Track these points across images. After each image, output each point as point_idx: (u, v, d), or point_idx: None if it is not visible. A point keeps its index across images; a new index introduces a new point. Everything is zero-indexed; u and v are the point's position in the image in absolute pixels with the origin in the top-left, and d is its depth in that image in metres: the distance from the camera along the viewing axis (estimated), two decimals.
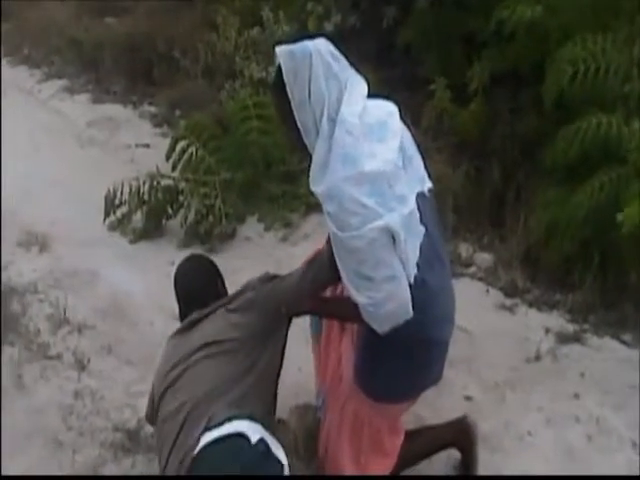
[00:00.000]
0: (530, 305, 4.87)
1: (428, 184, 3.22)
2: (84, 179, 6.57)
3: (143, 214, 5.95)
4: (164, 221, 5.98)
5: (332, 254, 3.08)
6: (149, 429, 4.10)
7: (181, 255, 5.49)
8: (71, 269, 5.51)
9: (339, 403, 3.49)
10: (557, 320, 4.73)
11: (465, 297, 4.54)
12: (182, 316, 3.60)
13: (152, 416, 3.48)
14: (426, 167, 3.25)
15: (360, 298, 3.02)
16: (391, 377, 3.33)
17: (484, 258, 5.25)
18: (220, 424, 3.10)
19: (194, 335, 3.41)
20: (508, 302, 4.91)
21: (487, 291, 5.00)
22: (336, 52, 3.04)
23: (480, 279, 5.11)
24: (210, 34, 7.81)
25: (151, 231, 5.92)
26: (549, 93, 4.93)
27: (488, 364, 4.44)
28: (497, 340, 4.61)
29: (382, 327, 3.09)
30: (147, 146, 7.23)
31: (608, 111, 4.72)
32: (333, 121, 2.95)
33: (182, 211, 5.89)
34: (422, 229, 3.07)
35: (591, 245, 4.75)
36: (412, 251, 3.02)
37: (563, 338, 4.58)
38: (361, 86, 3.07)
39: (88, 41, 9.06)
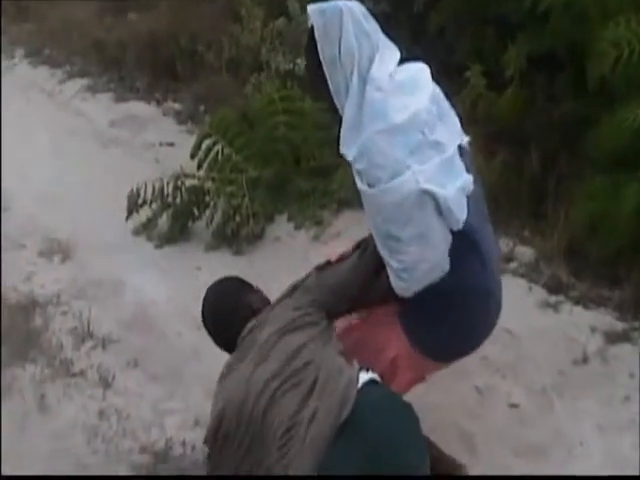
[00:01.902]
0: (576, 302, 4.58)
1: (465, 138, 3.13)
2: (107, 181, 6.37)
3: (169, 217, 5.73)
4: (190, 223, 5.75)
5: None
6: (178, 450, 3.92)
7: (208, 259, 5.45)
8: (95, 278, 5.32)
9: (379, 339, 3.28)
10: (605, 318, 4.45)
11: (507, 295, 4.29)
12: (224, 344, 3.32)
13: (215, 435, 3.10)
14: (461, 122, 3.16)
15: (392, 262, 2.99)
16: (442, 330, 3.19)
17: (525, 252, 4.98)
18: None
19: (260, 333, 3.11)
20: (552, 299, 4.63)
21: (530, 288, 4.73)
22: (368, 14, 2.99)
23: (522, 275, 4.83)
24: (234, 26, 7.58)
25: (177, 235, 5.69)
26: (592, 78, 4.64)
27: (533, 368, 4.19)
28: (542, 341, 4.35)
29: (413, 290, 3.05)
30: (172, 145, 7.01)
31: None
32: (364, 80, 2.91)
33: (208, 211, 5.67)
34: (467, 176, 3.00)
35: None
36: (456, 196, 2.94)
37: (612, 338, 4.31)
38: (393, 51, 3.03)
39: (110, 40, 8.84)
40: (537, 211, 5.15)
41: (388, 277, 3.08)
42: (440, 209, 2.91)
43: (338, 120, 3.00)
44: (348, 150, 2.94)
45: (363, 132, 2.88)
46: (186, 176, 5.75)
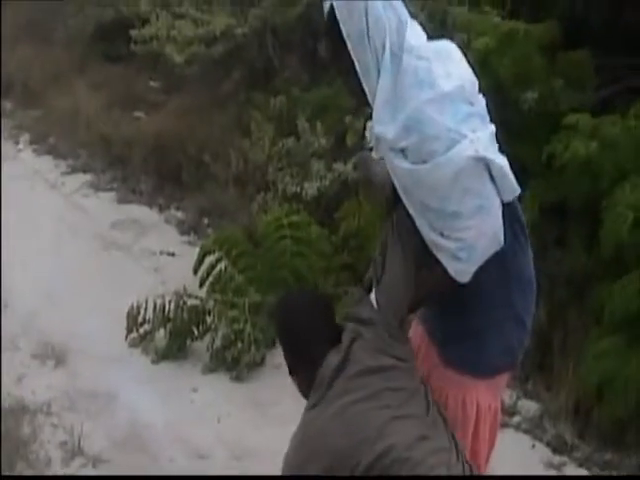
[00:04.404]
0: (579, 465, 4.53)
1: None
2: (106, 286, 6.30)
3: (167, 333, 5.63)
4: (189, 342, 5.66)
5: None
6: None
7: (205, 381, 5.33)
8: (88, 389, 5.21)
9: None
10: None
11: (510, 450, 4.27)
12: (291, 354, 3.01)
13: None
14: None
15: (449, 244, 2.77)
16: (495, 334, 3.02)
17: (529, 407, 4.93)
18: None
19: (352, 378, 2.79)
20: (556, 460, 4.58)
21: (533, 446, 4.67)
22: None
23: (525, 431, 4.78)
24: (243, 140, 7.58)
25: (175, 352, 5.60)
26: (608, 240, 4.65)
27: None
28: None
29: (471, 271, 2.83)
30: (172, 255, 6.97)
31: None
32: (396, 56, 2.69)
33: (209, 334, 5.58)
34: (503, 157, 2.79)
35: None
36: (503, 171, 2.75)
37: None
38: (418, 27, 2.83)
39: (116, 137, 8.85)
40: (542, 363, 5.10)
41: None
42: (494, 179, 2.74)
43: (367, 105, 2.83)
44: (385, 128, 2.72)
45: (405, 106, 2.69)
46: (188, 296, 5.68)
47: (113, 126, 9.15)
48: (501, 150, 2.80)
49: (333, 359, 2.79)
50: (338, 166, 6.46)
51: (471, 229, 2.75)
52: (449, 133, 2.66)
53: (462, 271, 2.84)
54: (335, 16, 2.74)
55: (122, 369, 5.44)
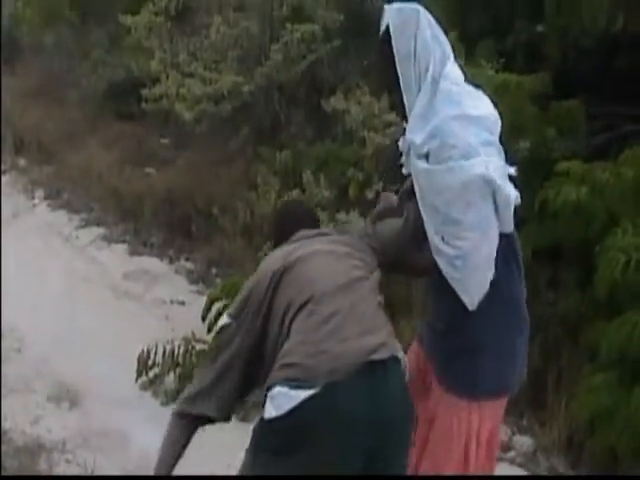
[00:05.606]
0: None
1: None
2: (118, 333, 6.52)
3: (176, 376, 5.84)
4: None
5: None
6: None
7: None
8: (101, 429, 5.40)
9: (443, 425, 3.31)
10: None
11: None
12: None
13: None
14: None
15: (447, 249, 3.03)
16: (488, 358, 3.23)
17: (524, 442, 5.10)
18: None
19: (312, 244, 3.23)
20: None
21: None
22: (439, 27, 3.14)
23: (520, 465, 4.95)
24: (250, 193, 7.82)
25: None
26: (603, 282, 4.81)
27: None
28: None
29: (470, 292, 3.09)
30: (182, 303, 7.22)
31: None
32: (436, 82, 3.02)
33: None
34: (515, 192, 3.06)
35: None
36: (508, 201, 3.02)
37: None
38: (458, 67, 3.17)
39: (128, 191, 9.13)
40: (536, 400, 5.27)
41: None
42: (498, 207, 3.02)
43: (404, 115, 3.16)
44: (414, 135, 3.05)
45: (434, 118, 3.01)
46: (197, 341, 5.88)
47: (125, 181, 9.45)
48: (515, 187, 3.10)
49: (306, 232, 3.31)
50: (341, 216, 6.70)
51: (468, 240, 3.02)
52: (467, 147, 2.98)
53: (458, 280, 3.10)
54: (388, 36, 3.11)
55: (133, 410, 5.63)
